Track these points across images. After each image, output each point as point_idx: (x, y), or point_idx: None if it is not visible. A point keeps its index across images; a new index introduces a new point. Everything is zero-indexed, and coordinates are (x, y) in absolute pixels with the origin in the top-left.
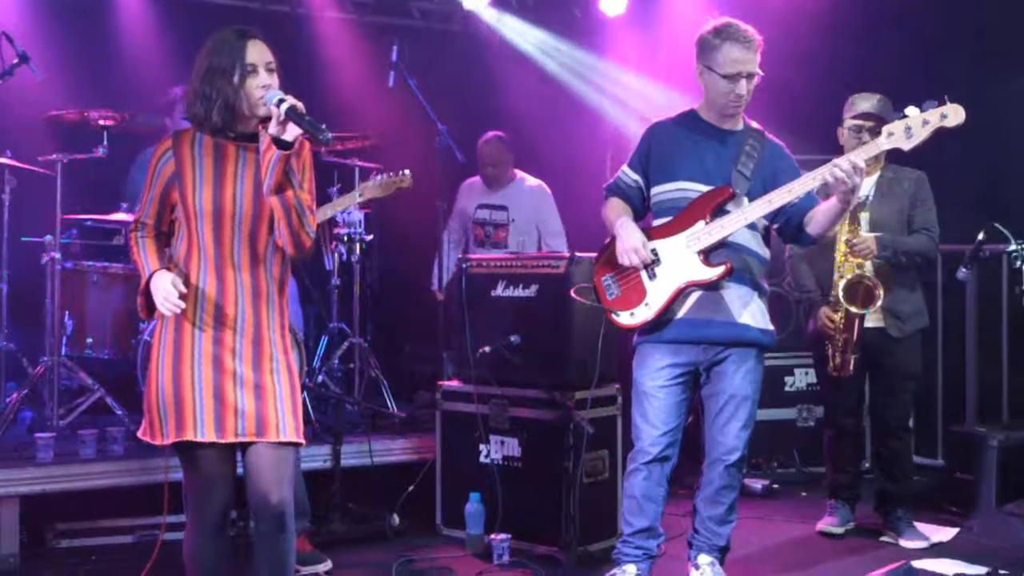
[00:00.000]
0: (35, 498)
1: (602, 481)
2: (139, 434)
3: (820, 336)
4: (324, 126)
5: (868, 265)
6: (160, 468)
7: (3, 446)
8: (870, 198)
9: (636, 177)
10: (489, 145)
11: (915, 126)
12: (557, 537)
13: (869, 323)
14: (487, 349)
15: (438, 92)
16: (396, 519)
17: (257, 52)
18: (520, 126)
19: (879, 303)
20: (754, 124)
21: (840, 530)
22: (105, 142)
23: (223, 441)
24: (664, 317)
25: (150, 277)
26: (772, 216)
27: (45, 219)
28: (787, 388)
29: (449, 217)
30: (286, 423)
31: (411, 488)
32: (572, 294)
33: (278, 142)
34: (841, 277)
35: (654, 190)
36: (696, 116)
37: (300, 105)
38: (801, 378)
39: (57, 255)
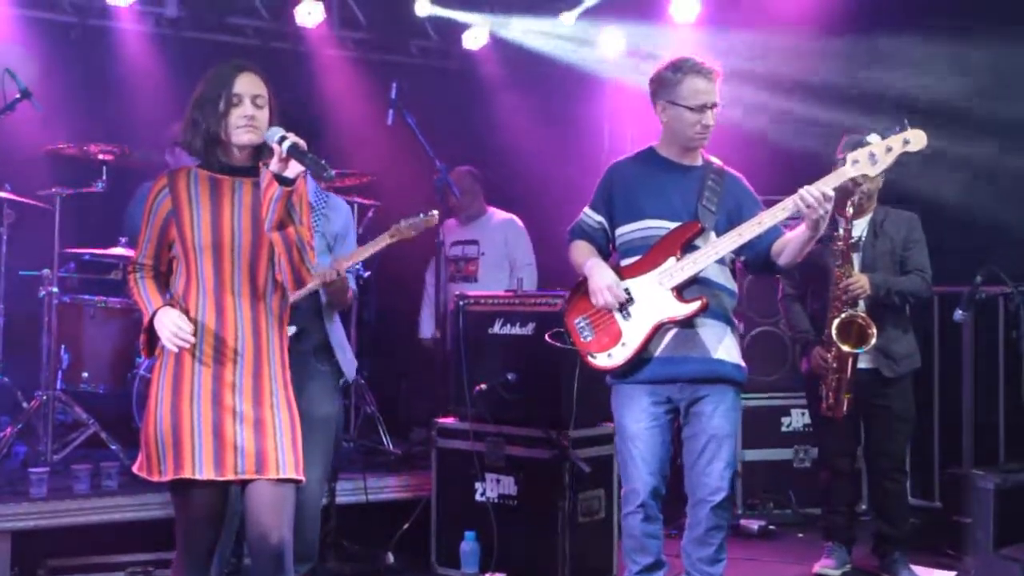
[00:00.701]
0: (28, 534)
1: (598, 520)
2: (135, 469)
3: (814, 376)
4: (325, 163)
5: (861, 305)
6: (153, 504)
7: None
8: (863, 239)
9: (599, 218)
10: (459, 177)
11: (879, 152)
12: None
13: (862, 364)
14: (484, 387)
15: (436, 130)
16: (391, 557)
17: (246, 84)
18: (518, 163)
19: (872, 342)
20: (712, 159)
21: (837, 572)
22: (104, 176)
23: (221, 479)
24: (640, 356)
25: (153, 314)
26: (739, 249)
27: (43, 253)
28: (784, 428)
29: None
30: (286, 460)
31: (406, 526)
32: (547, 339)
33: (280, 179)
34: (834, 316)
35: (620, 230)
36: (655, 154)
37: (302, 143)
38: (798, 418)
39: (54, 289)
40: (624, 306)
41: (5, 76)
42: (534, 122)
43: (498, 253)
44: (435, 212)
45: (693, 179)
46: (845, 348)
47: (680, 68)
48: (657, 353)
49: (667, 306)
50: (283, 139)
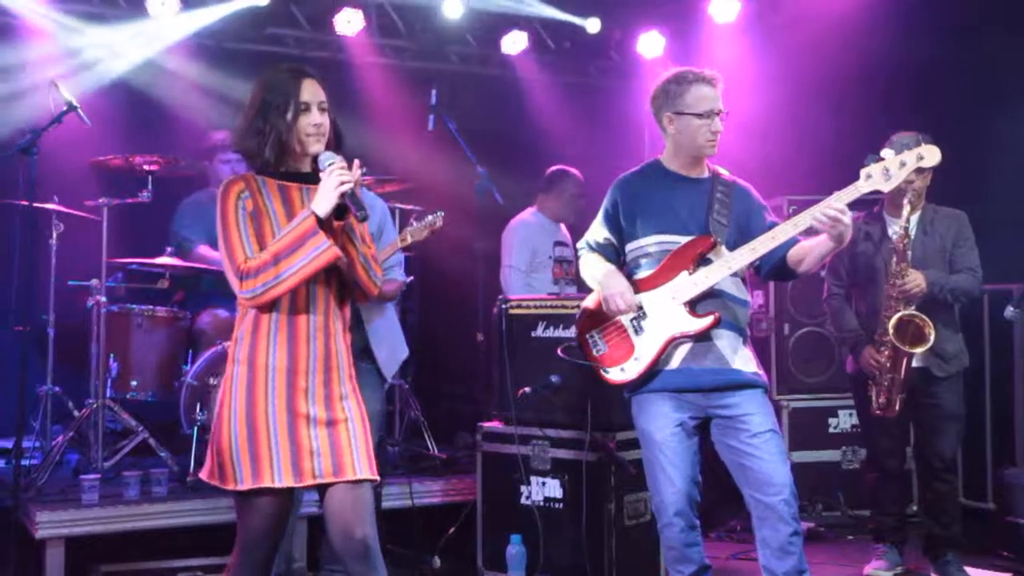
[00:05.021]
0: (80, 540)
1: (644, 523)
2: (204, 476)
3: (862, 376)
4: (365, 206)
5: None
6: (202, 510)
7: (49, 488)
8: (912, 237)
9: (607, 234)
10: (578, 178)
11: (892, 167)
12: None
13: (913, 363)
14: (528, 390)
15: (476, 135)
16: (437, 561)
17: (310, 91)
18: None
19: (931, 342)
20: (720, 169)
21: (888, 574)
22: (150, 186)
23: (300, 485)
24: (655, 368)
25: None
26: None
27: (91, 263)
28: (831, 430)
29: (511, 255)
30: (361, 462)
31: (452, 530)
32: (559, 353)
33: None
34: (890, 315)
35: (630, 245)
36: (661, 167)
37: (347, 181)
38: (845, 419)
39: (103, 298)
40: (637, 320)
41: (52, 88)
42: (574, 126)
43: None
44: (440, 213)
45: (701, 191)
46: (905, 348)
47: (683, 78)
48: (673, 365)
49: (680, 320)
50: (331, 165)
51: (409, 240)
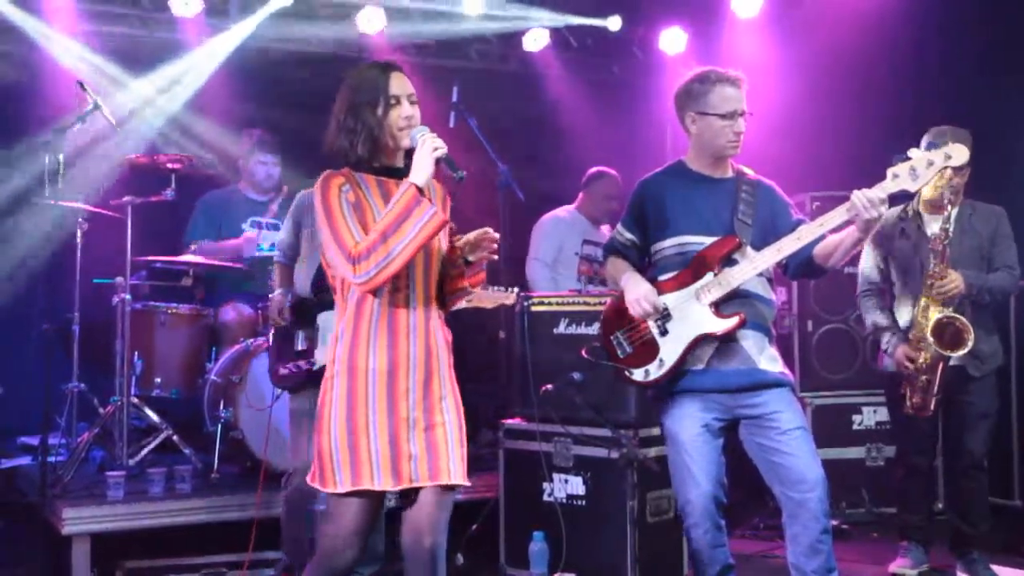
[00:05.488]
0: (106, 536)
1: (667, 520)
2: (309, 480)
3: (895, 374)
4: (461, 170)
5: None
6: (228, 507)
7: (75, 485)
8: (951, 233)
9: (632, 236)
10: (614, 181)
11: (920, 167)
12: None
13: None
14: (550, 387)
15: (497, 132)
16: (460, 558)
17: (399, 84)
18: (579, 164)
19: (968, 347)
20: (744, 168)
21: (914, 572)
22: (173, 185)
23: (397, 488)
24: (681, 369)
25: None
26: None
27: (116, 261)
28: (855, 426)
29: (537, 248)
30: (456, 466)
31: (474, 527)
32: (583, 354)
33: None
34: (928, 316)
35: (655, 247)
36: (685, 167)
37: (440, 146)
38: (869, 416)
39: (127, 296)
40: (661, 321)
41: (77, 88)
42: (595, 123)
43: None
44: (515, 290)
45: (726, 192)
46: (944, 352)
47: (707, 78)
48: (699, 366)
49: (705, 321)
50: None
51: (474, 304)
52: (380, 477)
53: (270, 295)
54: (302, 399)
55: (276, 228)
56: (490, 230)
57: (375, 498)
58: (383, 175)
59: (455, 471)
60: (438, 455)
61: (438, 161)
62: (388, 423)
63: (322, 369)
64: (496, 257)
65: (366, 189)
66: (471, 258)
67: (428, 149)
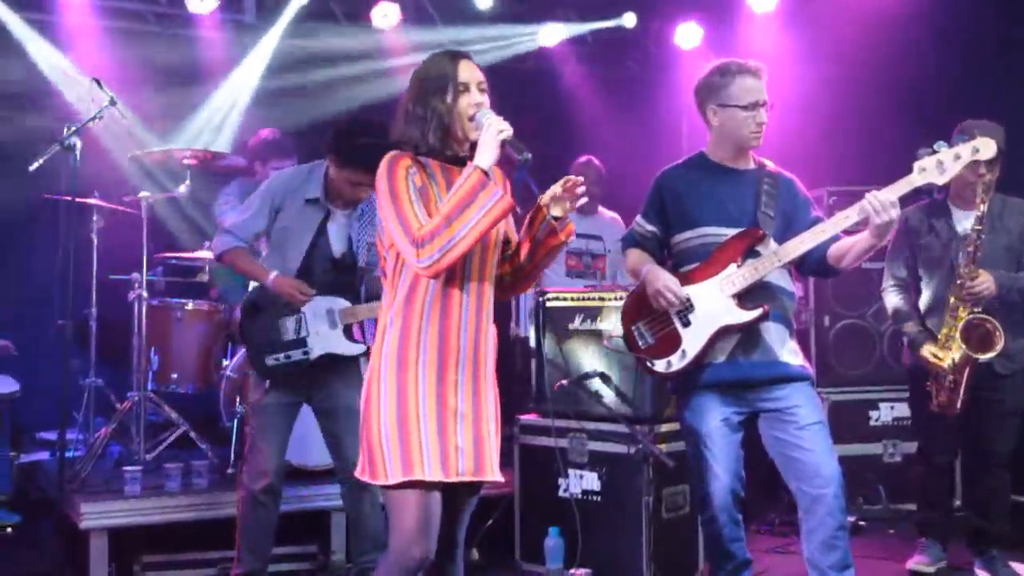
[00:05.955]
0: (123, 530)
1: (683, 516)
2: (356, 474)
3: (919, 370)
4: (527, 152)
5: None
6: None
7: (92, 480)
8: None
9: (652, 228)
10: (588, 168)
11: (947, 160)
12: (637, 572)
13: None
14: (565, 383)
15: (513, 127)
16: (475, 554)
17: (468, 71)
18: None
19: (998, 350)
20: (765, 161)
21: (931, 569)
22: (188, 180)
23: (447, 480)
24: (703, 361)
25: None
26: None
27: (132, 257)
28: (872, 422)
29: None
30: (496, 462)
31: (490, 522)
32: (604, 344)
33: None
34: (957, 315)
35: (676, 238)
36: (706, 159)
37: (507, 128)
38: (887, 412)
39: (144, 292)
40: (684, 313)
41: (93, 85)
42: (611, 118)
43: (617, 251)
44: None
45: (747, 183)
46: (974, 355)
47: (728, 70)
48: (721, 358)
49: (728, 312)
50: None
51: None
52: (431, 467)
53: (272, 277)
54: (281, 394)
55: None
56: (572, 177)
57: (433, 489)
58: (450, 163)
59: (496, 466)
60: (483, 450)
61: (503, 144)
62: (437, 413)
63: (319, 359)
64: (584, 200)
65: (431, 173)
66: (557, 213)
67: (493, 131)
